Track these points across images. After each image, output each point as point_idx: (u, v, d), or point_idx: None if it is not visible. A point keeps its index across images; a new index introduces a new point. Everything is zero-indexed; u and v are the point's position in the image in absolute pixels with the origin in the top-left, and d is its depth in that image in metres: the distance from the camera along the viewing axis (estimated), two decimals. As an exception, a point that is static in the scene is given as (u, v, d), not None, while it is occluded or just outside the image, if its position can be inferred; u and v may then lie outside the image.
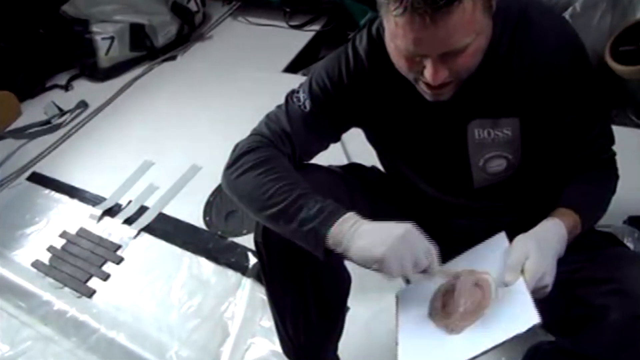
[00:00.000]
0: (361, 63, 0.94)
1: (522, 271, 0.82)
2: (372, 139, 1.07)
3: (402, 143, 1.01)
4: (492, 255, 0.90)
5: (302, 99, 0.96)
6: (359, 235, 0.80)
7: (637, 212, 1.29)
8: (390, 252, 0.78)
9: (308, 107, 0.96)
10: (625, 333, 0.81)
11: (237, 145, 0.96)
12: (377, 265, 0.79)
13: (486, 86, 0.88)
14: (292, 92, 0.99)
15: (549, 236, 0.86)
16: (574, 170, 0.96)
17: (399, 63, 0.83)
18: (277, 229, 0.88)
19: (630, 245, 1.21)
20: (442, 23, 0.72)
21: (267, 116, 0.99)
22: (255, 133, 0.98)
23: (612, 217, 1.12)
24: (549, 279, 0.82)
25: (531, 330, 0.76)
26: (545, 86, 0.87)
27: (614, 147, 0.98)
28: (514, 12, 0.86)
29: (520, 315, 0.78)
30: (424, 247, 0.81)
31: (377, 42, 0.92)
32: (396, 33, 0.76)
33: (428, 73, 0.78)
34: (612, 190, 0.99)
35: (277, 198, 0.85)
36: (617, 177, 1.00)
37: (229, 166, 0.94)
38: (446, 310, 0.86)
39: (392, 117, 0.97)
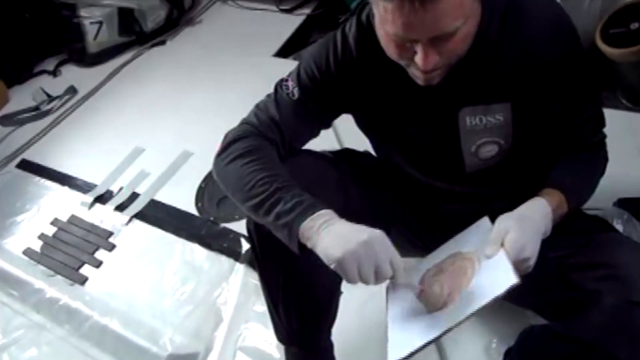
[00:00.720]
0: (350, 51, 0.93)
1: (503, 245, 0.83)
2: (362, 125, 1.07)
3: (392, 130, 1.01)
4: (476, 237, 0.91)
5: (290, 87, 0.96)
6: (325, 234, 0.81)
7: (627, 194, 1.30)
8: (349, 256, 0.78)
9: (297, 95, 0.96)
10: (618, 318, 0.82)
11: (227, 134, 0.97)
12: (334, 266, 0.80)
13: (477, 72, 0.88)
14: (281, 81, 0.99)
15: (530, 213, 0.87)
16: (563, 153, 0.96)
17: (389, 49, 0.82)
18: (257, 220, 0.89)
19: (620, 227, 1.21)
20: (431, 7, 0.72)
21: (257, 105, 1.00)
22: (244, 122, 0.98)
23: (602, 200, 1.13)
24: (530, 252, 0.83)
25: (510, 291, 0.77)
26: (536, 72, 0.87)
27: (604, 130, 0.99)
28: None
29: (499, 279, 0.80)
30: (388, 256, 0.81)
31: (366, 29, 0.91)
32: (385, 18, 0.76)
33: (419, 58, 0.78)
34: (601, 173, 0.99)
35: (257, 189, 0.86)
36: (606, 159, 1.00)
37: (218, 154, 0.95)
38: (432, 291, 0.88)
39: (382, 105, 0.97)
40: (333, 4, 2.40)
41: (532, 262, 0.84)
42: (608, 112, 0.98)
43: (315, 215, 0.82)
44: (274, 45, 2.36)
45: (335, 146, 1.51)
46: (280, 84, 0.98)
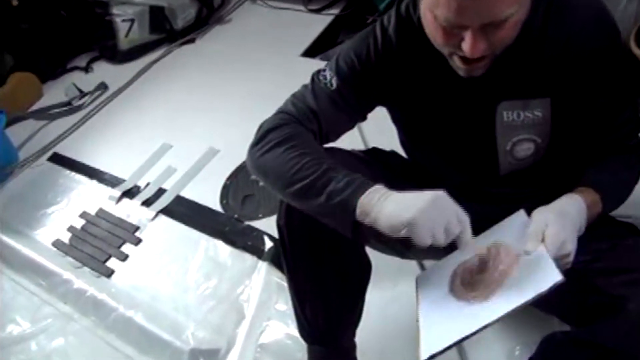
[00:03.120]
0: (389, 41, 0.92)
1: (543, 240, 0.82)
2: (397, 119, 1.06)
3: (428, 124, 0.99)
4: (513, 230, 0.89)
5: (328, 77, 0.95)
6: (388, 202, 0.78)
7: (659, 202, 1.27)
8: (421, 215, 0.76)
9: (335, 85, 0.95)
10: None
11: (262, 124, 0.95)
12: (406, 230, 0.77)
13: (519, 64, 0.87)
14: (319, 71, 0.98)
15: (567, 208, 0.85)
16: (599, 154, 0.95)
17: (436, 35, 0.80)
18: (304, 206, 0.87)
19: (651, 236, 1.19)
20: None
21: (293, 95, 0.98)
22: (280, 111, 0.96)
23: (633, 207, 1.11)
24: (570, 247, 0.81)
25: (553, 289, 0.75)
26: (579, 63, 0.86)
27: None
28: None
29: (542, 276, 0.77)
30: (455, 213, 0.79)
31: (406, 21, 0.91)
32: (438, 2, 0.74)
33: (466, 45, 0.76)
34: (637, 176, 0.97)
35: (304, 172, 0.84)
36: None
37: (254, 144, 0.93)
38: (470, 283, 0.86)
39: (419, 97, 0.96)
40: (361, 4, 2.39)
41: (571, 257, 0.82)
42: (641, 119, 0.96)
43: (371, 189, 0.80)
44: (302, 45, 2.37)
45: (360, 146, 1.51)
46: (317, 75, 0.97)
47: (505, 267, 0.83)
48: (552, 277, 0.76)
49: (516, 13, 0.75)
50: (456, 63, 0.83)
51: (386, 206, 0.78)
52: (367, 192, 0.80)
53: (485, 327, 0.79)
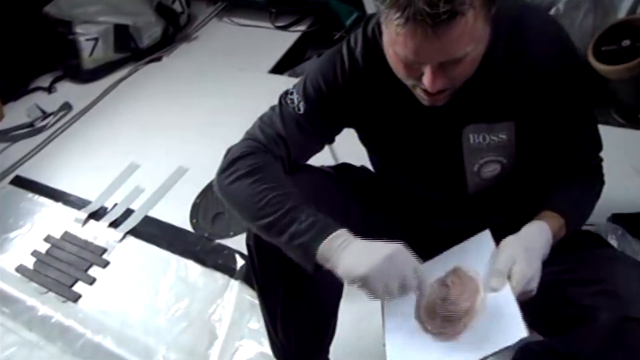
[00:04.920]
0: (356, 64, 0.93)
1: (509, 276, 0.83)
2: (365, 141, 1.07)
3: (396, 146, 1.00)
4: (478, 255, 0.90)
5: (296, 101, 0.95)
6: (346, 253, 0.80)
7: (621, 209, 1.31)
8: (374, 272, 0.78)
9: (302, 110, 0.95)
10: (615, 334, 0.82)
11: (229, 150, 0.94)
12: (360, 284, 0.79)
13: (482, 91, 0.88)
14: (286, 94, 0.97)
15: (535, 240, 0.87)
16: (561, 175, 0.97)
17: (397, 68, 0.82)
18: (268, 239, 0.88)
19: (614, 242, 1.22)
20: (444, 35, 0.71)
21: (261, 119, 0.98)
22: (249, 137, 0.96)
23: (596, 215, 1.13)
24: (534, 284, 0.84)
25: (519, 344, 0.77)
26: (540, 89, 0.88)
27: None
28: (509, 17, 0.86)
29: (508, 328, 0.79)
30: (412, 267, 0.81)
31: (372, 43, 0.91)
32: (396, 41, 0.75)
33: (426, 80, 0.78)
34: (597, 196, 1.00)
35: (269, 209, 0.85)
36: (602, 183, 1.01)
37: (221, 171, 0.92)
38: (434, 310, 0.86)
39: (386, 120, 0.96)
40: (328, 20, 2.42)
41: (534, 292, 0.84)
42: (601, 129, 0.99)
43: (332, 236, 0.82)
44: (270, 61, 2.37)
45: (330, 161, 1.51)
46: (284, 97, 0.97)
47: (468, 304, 0.84)
48: (518, 331, 0.78)
49: (473, 50, 0.77)
50: (419, 94, 0.84)
51: (344, 257, 0.80)
52: (328, 239, 0.81)
53: None
